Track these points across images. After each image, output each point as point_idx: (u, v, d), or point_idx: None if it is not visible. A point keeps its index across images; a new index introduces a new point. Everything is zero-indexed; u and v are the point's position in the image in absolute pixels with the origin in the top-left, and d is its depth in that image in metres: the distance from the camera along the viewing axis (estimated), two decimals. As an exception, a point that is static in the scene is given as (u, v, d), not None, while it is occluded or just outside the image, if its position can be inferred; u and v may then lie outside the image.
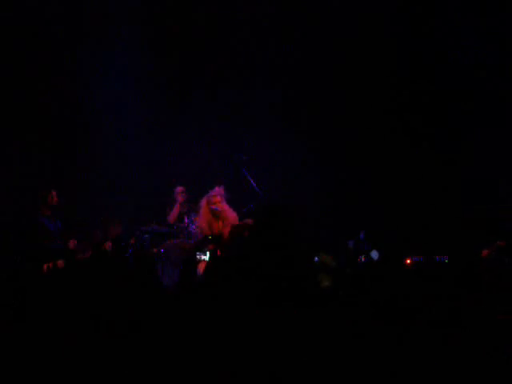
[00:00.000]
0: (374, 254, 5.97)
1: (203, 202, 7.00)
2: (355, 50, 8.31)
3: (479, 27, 7.81)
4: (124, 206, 8.48)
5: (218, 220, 7.02)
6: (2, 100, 8.06)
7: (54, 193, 7.18)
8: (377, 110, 8.43)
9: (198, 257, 6.20)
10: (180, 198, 8.14)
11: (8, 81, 8.08)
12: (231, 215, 6.96)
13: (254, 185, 7.71)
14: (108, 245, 6.96)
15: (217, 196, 7.00)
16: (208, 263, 5.95)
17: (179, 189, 8.19)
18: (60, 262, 6.63)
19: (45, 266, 6.58)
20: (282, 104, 8.70)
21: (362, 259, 6.51)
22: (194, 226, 7.83)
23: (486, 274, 5.41)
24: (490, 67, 7.79)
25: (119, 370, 3.55)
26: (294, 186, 8.48)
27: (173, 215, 8.10)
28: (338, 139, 8.54)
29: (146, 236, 7.78)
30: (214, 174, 8.53)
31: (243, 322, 3.71)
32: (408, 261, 6.50)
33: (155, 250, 7.62)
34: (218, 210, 6.90)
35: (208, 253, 5.66)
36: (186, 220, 7.93)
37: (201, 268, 6.29)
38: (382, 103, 8.42)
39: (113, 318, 3.90)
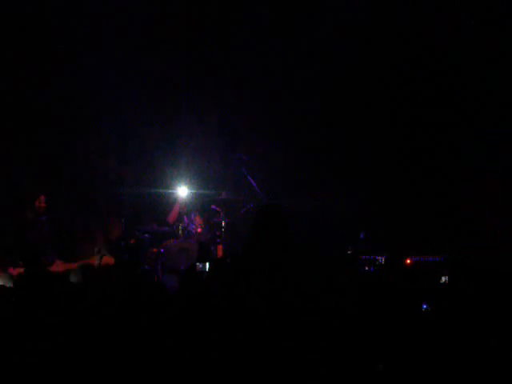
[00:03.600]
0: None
1: None
2: (356, 49, 8.31)
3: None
4: (124, 206, 8.49)
5: None
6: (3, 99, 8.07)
7: (42, 197, 7.19)
8: (377, 109, 8.42)
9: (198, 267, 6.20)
10: (180, 198, 8.14)
11: (8, 80, 8.08)
12: None
13: (254, 185, 7.72)
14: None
15: None
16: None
17: (179, 188, 8.19)
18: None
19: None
20: (282, 104, 8.70)
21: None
22: (193, 226, 7.84)
23: None
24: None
25: (119, 371, 3.55)
26: (293, 186, 8.48)
27: (173, 215, 8.10)
28: (338, 139, 8.54)
29: (146, 236, 7.79)
30: (214, 173, 8.55)
31: (245, 322, 3.71)
32: (408, 261, 6.49)
33: (155, 249, 7.64)
34: None
35: (208, 263, 5.66)
36: (185, 220, 7.94)
37: None
38: (384, 102, 8.41)
39: (112, 319, 3.90)
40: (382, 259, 6.38)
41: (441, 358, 3.70)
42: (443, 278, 5.55)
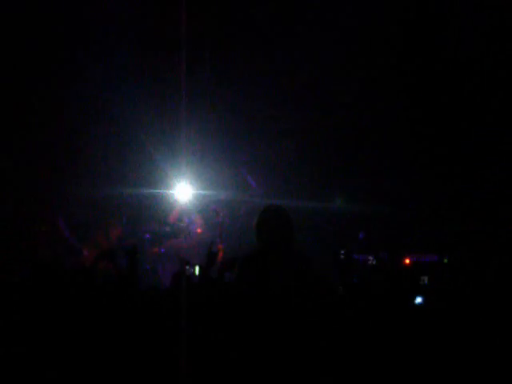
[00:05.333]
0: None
1: None
2: (356, 47, 8.31)
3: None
4: (125, 206, 8.50)
5: None
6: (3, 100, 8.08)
7: None
8: (377, 108, 8.43)
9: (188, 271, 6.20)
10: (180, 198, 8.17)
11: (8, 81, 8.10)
12: None
13: (254, 185, 7.73)
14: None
15: None
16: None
17: (180, 189, 8.21)
18: None
19: None
20: (282, 104, 8.71)
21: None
22: (193, 226, 7.86)
23: None
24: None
25: (118, 370, 3.57)
26: (293, 186, 8.49)
27: (173, 215, 8.12)
28: (337, 139, 8.55)
29: (147, 236, 7.81)
30: (214, 174, 8.55)
31: (244, 321, 3.72)
32: (407, 261, 6.51)
33: (155, 249, 7.66)
34: None
35: (197, 267, 5.66)
36: (186, 220, 7.95)
37: None
38: (383, 102, 8.42)
39: (113, 319, 3.91)
40: (373, 259, 6.40)
41: (438, 357, 3.72)
42: (424, 279, 5.54)
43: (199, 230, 7.84)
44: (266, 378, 3.48)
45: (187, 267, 5.22)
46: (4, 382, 3.46)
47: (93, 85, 8.36)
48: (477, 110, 7.98)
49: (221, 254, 7.73)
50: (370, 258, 6.58)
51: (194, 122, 8.78)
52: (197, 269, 5.31)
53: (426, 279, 5.47)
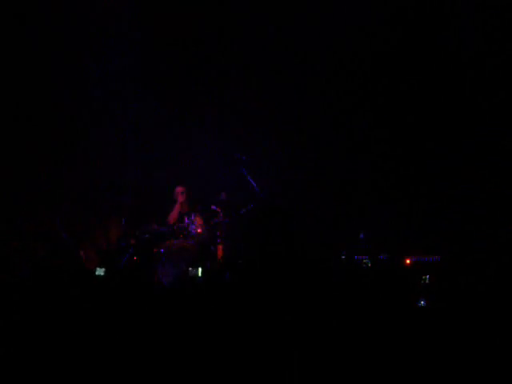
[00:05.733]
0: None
1: None
2: (355, 48, 8.32)
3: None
4: (124, 206, 8.50)
5: None
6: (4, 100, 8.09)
7: None
8: (377, 108, 8.43)
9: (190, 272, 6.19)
10: (180, 198, 8.16)
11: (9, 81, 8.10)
12: None
13: (254, 185, 7.71)
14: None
15: None
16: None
17: (179, 189, 8.21)
18: None
19: None
20: (281, 103, 8.71)
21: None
22: (193, 226, 7.85)
23: None
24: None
25: (119, 370, 3.57)
26: (293, 186, 8.49)
27: (173, 215, 8.12)
28: (337, 139, 8.55)
29: (146, 236, 7.80)
30: (214, 174, 8.56)
31: (244, 320, 3.72)
32: (408, 261, 6.51)
33: (155, 250, 7.65)
34: None
35: (200, 268, 5.63)
36: (185, 220, 7.95)
37: None
38: (382, 100, 8.42)
39: (113, 319, 3.92)
40: (367, 260, 6.41)
41: (438, 356, 3.72)
42: (426, 278, 5.54)
43: (199, 230, 7.82)
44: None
45: (190, 269, 5.20)
46: (4, 382, 3.46)
47: (93, 84, 8.37)
48: (477, 109, 7.99)
49: (220, 253, 7.73)
50: (365, 259, 6.59)
51: (194, 121, 8.80)
52: (199, 270, 5.29)
53: (427, 279, 5.48)
